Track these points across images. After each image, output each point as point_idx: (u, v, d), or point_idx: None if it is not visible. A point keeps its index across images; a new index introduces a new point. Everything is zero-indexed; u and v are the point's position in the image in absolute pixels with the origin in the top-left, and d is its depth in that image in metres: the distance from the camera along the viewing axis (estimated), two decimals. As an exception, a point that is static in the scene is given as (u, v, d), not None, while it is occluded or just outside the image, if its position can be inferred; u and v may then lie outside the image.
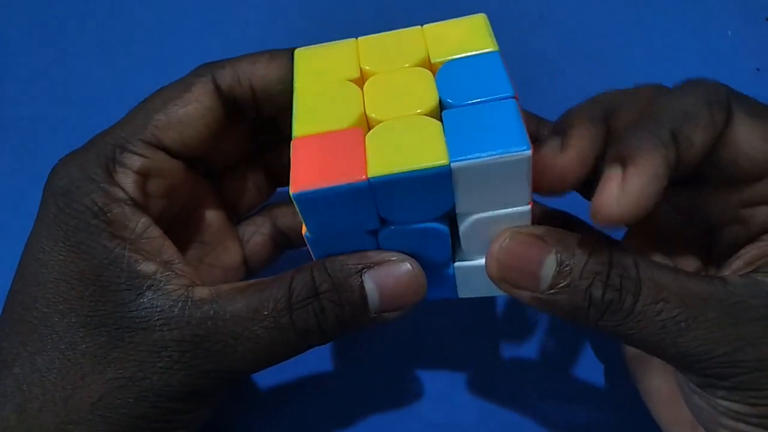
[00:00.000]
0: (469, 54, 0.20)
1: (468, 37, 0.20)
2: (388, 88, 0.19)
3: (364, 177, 0.17)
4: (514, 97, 0.18)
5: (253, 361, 0.19)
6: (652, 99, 0.19)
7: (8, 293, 0.21)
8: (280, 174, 0.27)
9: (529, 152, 0.16)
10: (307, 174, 0.17)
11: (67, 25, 0.37)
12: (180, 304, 0.19)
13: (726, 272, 0.20)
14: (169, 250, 0.21)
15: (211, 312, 0.19)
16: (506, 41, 0.34)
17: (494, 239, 0.18)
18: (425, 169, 0.16)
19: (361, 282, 0.19)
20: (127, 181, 0.21)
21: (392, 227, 0.19)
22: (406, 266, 0.19)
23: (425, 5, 0.36)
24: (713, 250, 0.22)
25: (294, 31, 0.36)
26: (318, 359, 0.28)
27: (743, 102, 0.18)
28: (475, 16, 0.21)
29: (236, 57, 0.22)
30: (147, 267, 0.20)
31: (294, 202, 0.17)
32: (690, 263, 0.22)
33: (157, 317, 0.19)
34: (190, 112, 0.22)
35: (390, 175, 0.17)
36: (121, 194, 0.21)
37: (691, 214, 0.22)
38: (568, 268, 0.17)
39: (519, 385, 0.27)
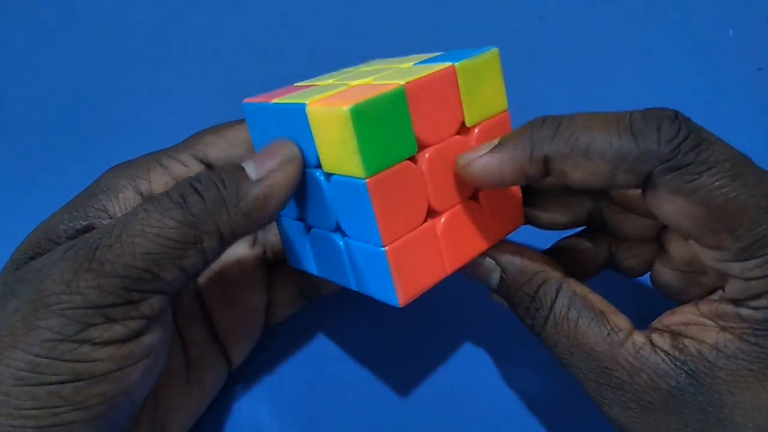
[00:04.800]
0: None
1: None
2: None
3: (270, 101, 0.21)
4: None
5: (145, 249, 0.18)
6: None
7: None
8: None
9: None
10: (259, 98, 0.22)
11: (69, 26, 0.37)
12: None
13: (665, 320, 0.20)
14: None
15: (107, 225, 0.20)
16: (504, 42, 0.34)
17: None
18: (289, 103, 0.20)
19: (239, 164, 0.20)
20: (160, 180, 0.22)
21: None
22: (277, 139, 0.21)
23: (430, 11, 0.36)
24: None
25: (300, 36, 0.37)
26: (321, 359, 0.28)
27: (675, 176, 0.17)
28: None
29: None
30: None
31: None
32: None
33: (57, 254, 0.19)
34: (239, 135, 0.24)
35: (279, 103, 0.20)
36: (144, 186, 0.22)
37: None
38: (506, 285, 0.22)
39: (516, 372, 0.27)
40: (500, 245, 0.22)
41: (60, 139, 0.34)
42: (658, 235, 0.23)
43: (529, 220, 0.24)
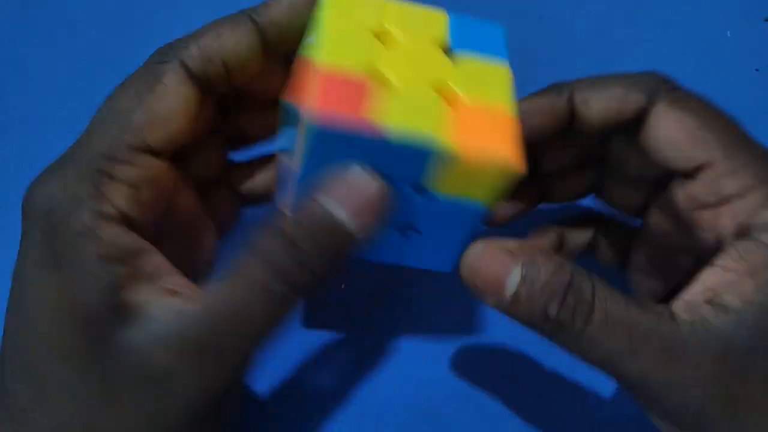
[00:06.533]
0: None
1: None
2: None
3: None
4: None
5: (259, 341, 0.19)
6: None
7: (5, 330, 0.19)
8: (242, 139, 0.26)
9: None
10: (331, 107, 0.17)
11: (70, 26, 0.37)
12: (176, 326, 0.18)
13: (687, 296, 0.19)
14: (163, 265, 0.20)
15: (207, 325, 0.18)
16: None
17: (468, 248, 0.19)
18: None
19: (318, 202, 0.18)
20: (120, 195, 0.19)
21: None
22: (353, 168, 0.18)
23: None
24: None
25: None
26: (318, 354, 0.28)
27: (673, 93, 0.21)
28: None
29: (195, 32, 0.21)
30: (142, 295, 0.18)
31: (307, 129, 0.17)
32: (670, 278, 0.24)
33: (154, 343, 0.18)
34: (171, 106, 0.20)
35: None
36: (113, 211, 0.19)
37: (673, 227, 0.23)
38: (530, 281, 0.18)
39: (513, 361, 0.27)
40: (514, 245, 0.19)
41: (61, 139, 0.34)
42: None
43: (543, 198, 0.26)
